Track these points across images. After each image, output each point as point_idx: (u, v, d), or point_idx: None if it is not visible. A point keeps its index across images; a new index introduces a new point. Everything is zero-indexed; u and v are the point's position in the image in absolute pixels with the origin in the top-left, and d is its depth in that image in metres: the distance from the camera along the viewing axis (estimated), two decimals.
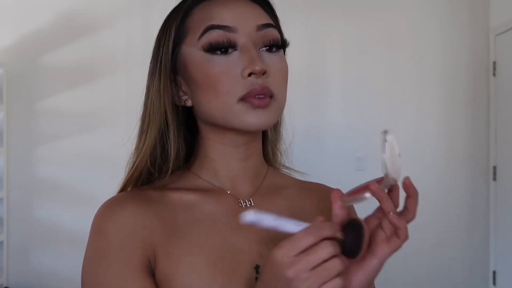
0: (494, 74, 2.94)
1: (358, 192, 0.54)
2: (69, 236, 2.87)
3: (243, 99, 0.59)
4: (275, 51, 0.64)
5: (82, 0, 2.97)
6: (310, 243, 0.48)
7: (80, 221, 2.91)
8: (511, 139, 2.77)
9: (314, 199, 0.74)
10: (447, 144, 3.01)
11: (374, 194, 0.52)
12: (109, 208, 0.62)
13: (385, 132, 0.54)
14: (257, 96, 0.59)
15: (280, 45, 0.64)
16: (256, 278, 0.62)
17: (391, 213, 0.52)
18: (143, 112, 0.67)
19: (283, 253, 0.48)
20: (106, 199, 0.65)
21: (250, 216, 0.50)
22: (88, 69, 2.96)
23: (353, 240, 0.51)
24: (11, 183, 2.96)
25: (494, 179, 2.94)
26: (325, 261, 0.48)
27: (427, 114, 3.00)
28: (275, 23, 0.67)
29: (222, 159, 0.67)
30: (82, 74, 2.96)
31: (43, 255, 2.94)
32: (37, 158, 2.98)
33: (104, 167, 2.69)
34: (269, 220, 0.50)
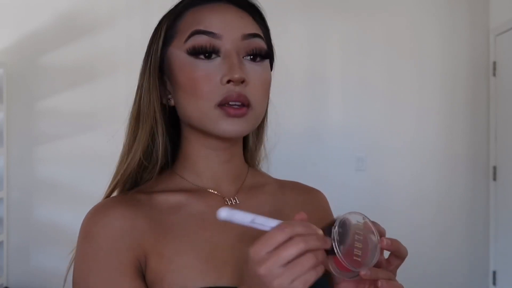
0: (494, 74, 2.94)
1: (350, 263, 0.52)
2: (69, 236, 2.84)
3: (220, 105, 0.61)
4: (259, 61, 0.64)
5: (82, 0, 2.97)
6: (282, 239, 0.48)
7: (80, 221, 2.90)
8: (511, 139, 2.77)
9: (295, 194, 0.76)
10: (447, 144, 3.01)
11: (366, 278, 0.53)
12: (97, 212, 0.63)
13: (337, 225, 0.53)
14: (231, 103, 0.61)
15: (263, 55, 0.65)
16: None
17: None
18: (135, 109, 0.68)
19: (256, 250, 0.48)
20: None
21: (223, 212, 0.49)
22: (88, 69, 2.96)
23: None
24: (11, 183, 2.96)
25: (494, 179, 2.94)
26: (298, 257, 0.48)
27: (427, 114, 3.00)
28: (264, 34, 0.68)
29: (204, 161, 0.68)
30: (82, 74, 2.96)
31: (43, 255, 2.94)
32: (37, 158, 2.98)
33: (104, 167, 2.68)
34: (243, 217, 0.50)
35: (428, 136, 3.00)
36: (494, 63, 2.93)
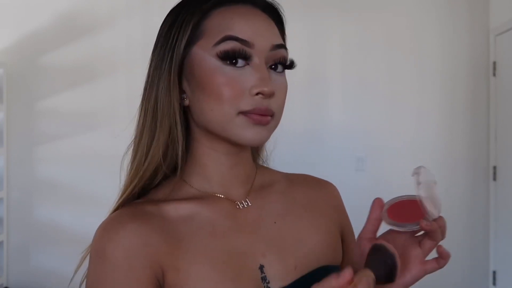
0: (494, 74, 2.94)
1: (401, 218, 0.54)
2: (69, 236, 2.87)
3: (242, 113, 0.60)
4: (281, 71, 0.65)
5: (82, 0, 2.97)
6: None
7: (80, 221, 2.92)
8: (511, 139, 2.77)
9: (305, 188, 0.76)
10: (447, 144, 3.01)
11: (425, 230, 0.55)
12: (108, 229, 0.60)
13: (417, 173, 0.55)
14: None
15: (287, 65, 0.65)
16: (262, 278, 0.63)
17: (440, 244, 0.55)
18: (151, 108, 0.64)
19: None
20: (106, 211, 0.64)
21: None
22: (88, 69, 2.96)
23: (384, 270, 0.51)
24: (11, 183, 2.96)
25: (494, 179, 2.94)
26: None
27: (427, 114, 3.00)
28: (285, 42, 0.67)
29: (214, 165, 0.67)
30: (82, 74, 2.96)
31: (43, 255, 2.95)
32: (37, 158, 2.98)
33: (104, 167, 2.69)
34: None
35: (428, 136, 3.00)
36: (494, 63, 2.93)
